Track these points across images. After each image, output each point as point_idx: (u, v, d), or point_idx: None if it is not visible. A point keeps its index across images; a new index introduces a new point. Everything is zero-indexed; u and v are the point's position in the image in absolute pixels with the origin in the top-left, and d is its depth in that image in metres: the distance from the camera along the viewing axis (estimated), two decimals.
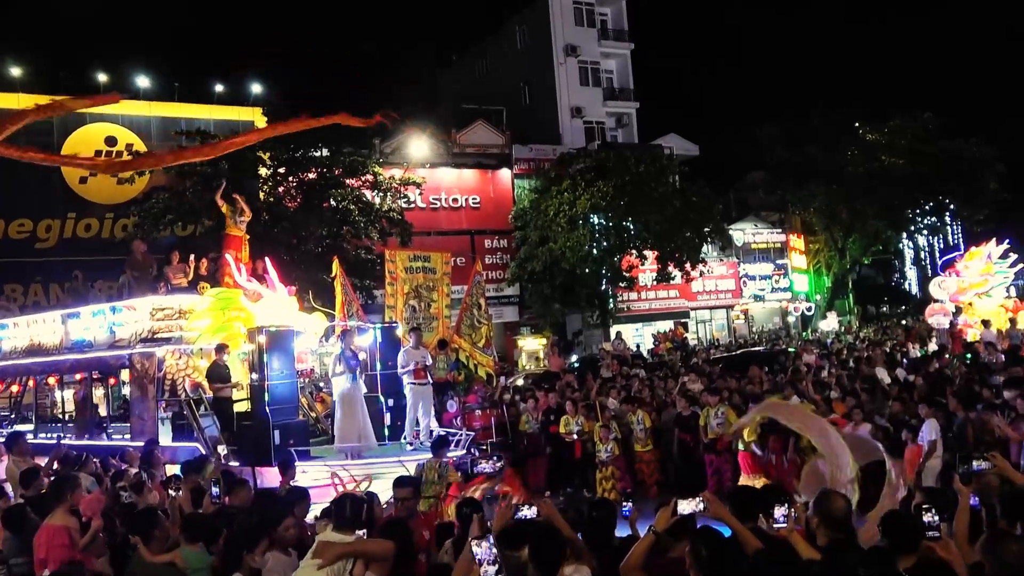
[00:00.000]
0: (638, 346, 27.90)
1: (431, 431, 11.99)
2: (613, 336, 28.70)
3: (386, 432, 12.03)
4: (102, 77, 29.57)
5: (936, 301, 23.82)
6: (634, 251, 30.97)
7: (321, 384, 14.60)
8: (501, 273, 33.00)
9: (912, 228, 39.25)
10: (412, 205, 28.63)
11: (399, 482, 6.06)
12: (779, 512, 4.18)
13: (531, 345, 33.16)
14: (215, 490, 6.67)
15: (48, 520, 5.56)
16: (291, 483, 8.48)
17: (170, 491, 6.37)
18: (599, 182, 29.73)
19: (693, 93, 64.60)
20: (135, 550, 5.06)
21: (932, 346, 20.44)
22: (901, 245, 40.74)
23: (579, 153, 33.25)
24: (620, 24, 41.27)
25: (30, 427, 13.79)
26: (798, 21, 72.42)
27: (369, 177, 26.29)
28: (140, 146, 28.02)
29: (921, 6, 68.35)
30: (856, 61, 71.19)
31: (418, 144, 32.08)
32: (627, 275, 31.54)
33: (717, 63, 71.81)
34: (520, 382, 19.84)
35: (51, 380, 14.38)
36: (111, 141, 29.34)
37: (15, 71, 28.63)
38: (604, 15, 41.00)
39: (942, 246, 38.86)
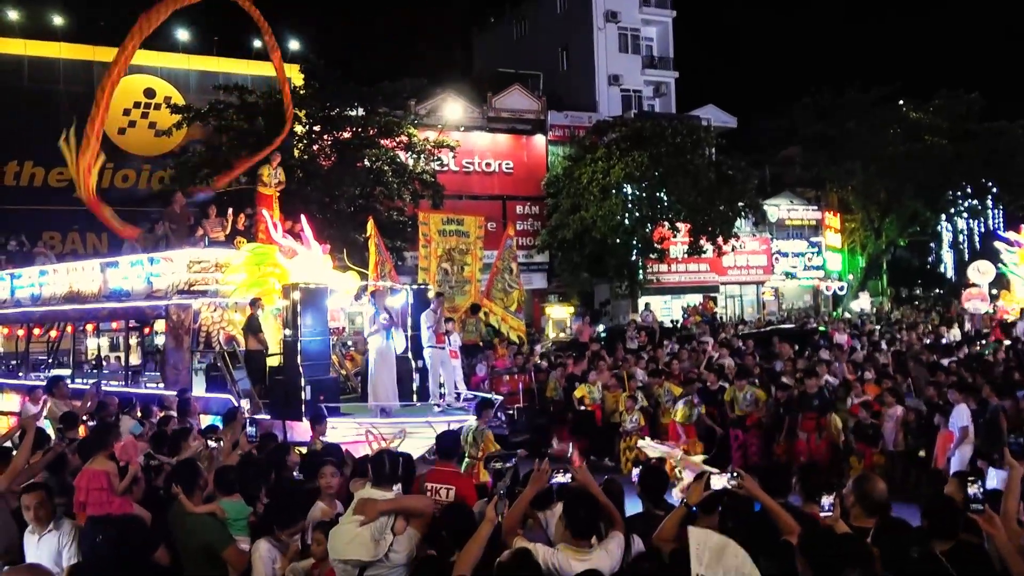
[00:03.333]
0: (673, 322, 27.68)
1: (458, 393, 12.09)
2: (641, 307, 28.61)
3: (415, 393, 12.12)
4: None
5: (973, 285, 23.45)
6: (666, 223, 30.73)
7: (349, 342, 14.73)
8: (531, 240, 32.93)
9: (952, 210, 38.45)
10: (445, 168, 28.57)
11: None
12: (826, 500, 4.17)
13: (558, 313, 33.17)
14: (251, 430, 6.73)
15: (88, 464, 5.70)
16: (321, 438, 8.61)
17: (209, 442, 6.50)
18: (634, 152, 29.45)
19: (733, 64, 63.46)
20: (175, 499, 5.16)
21: (955, 331, 20.07)
22: (939, 227, 39.92)
23: (615, 121, 32.90)
24: None
25: (67, 372, 14.11)
26: None
27: (403, 138, 26.27)
28: (178, 99, 28.17)
29: None
30: (899, 37, 69.43)
31: (453, 107, 31.94)
32: (658, 247, 31.34)
33: (759, 35, 70.40)
34: (545, 349, 19.89)
35: (88, 327, 14.67)
36: (150, 93, 29.54)
37: (57, 20, 28.85)
38: None
39: (982, 230, 38.05)
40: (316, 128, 25.76)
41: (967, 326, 21.29)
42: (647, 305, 28.14)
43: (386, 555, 4.28)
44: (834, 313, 34.70)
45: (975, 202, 37.94)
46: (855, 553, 3.71)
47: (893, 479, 9.88)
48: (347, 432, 10.07)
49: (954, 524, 4.02)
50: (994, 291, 24.31)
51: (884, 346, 16.55)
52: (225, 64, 30.55)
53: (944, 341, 17.22)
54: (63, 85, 28.43)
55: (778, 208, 39.11)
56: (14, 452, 6.53)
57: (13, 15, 28.34)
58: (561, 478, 4.44)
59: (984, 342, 17.10)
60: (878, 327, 21.88)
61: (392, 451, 5.33)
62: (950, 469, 9.14)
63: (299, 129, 25.58)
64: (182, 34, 30.09)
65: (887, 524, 4.13)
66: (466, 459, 8.64)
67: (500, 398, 12.18)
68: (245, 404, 9.94)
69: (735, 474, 4.45)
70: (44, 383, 11.41)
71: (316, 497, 5.37)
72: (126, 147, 29.37)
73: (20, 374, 15.59)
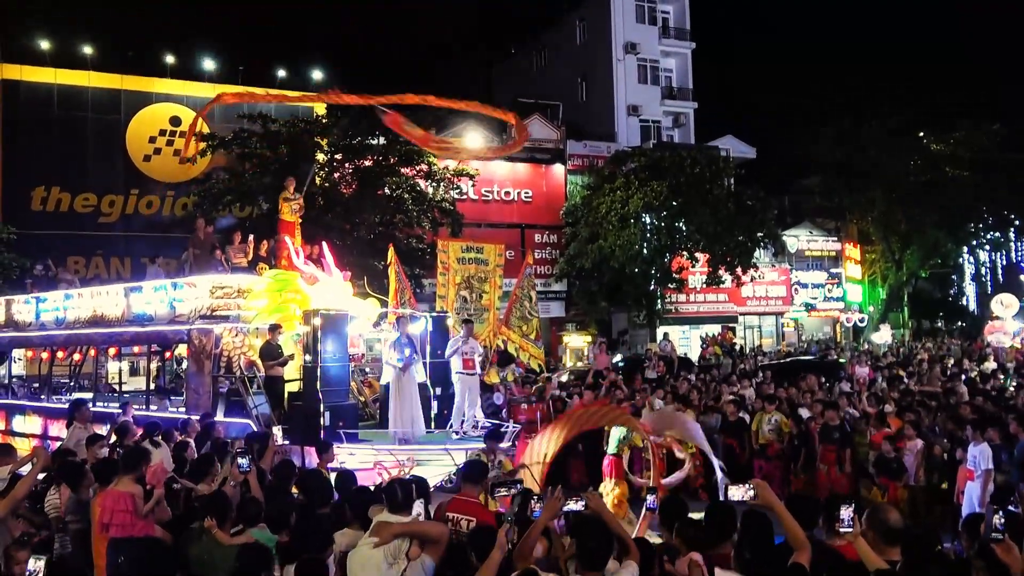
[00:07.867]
0: (686, 354, 27.55)
1: (476, 422, 12.07)
2: (659, 337, 28.51)
3: (432, 420, 12.13)
4: (169, 58, 30.30)
5: (996, 319, 23.23)
6: (685, 253, 30.72)
7: (367, 369, 14.76)
8: (549, 268, 32.99)
9: (974, 242, 38.10)
10: (464, 196, 28.78)
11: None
12: (845, 513, 4.06)
13: (576, 342, 33.12)
14: (242, 461, 6.59)
15: (114, 485, 5.74)
16: (328, 466, 8.46)
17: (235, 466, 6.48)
18: (653, 182, 29.53)
19: (752, 95, 63.50)
20: (205, 530, 5.10)
21: (991, 363, 19.89)
22: (961, 259, 39.54)
23: (634, 151, 33.05)
24: (682, 23, 40.80)
25: (89, 395, 14.24)
26: (864, 26, 70.80)
27: (423, 167, 26.52)
28: (203, 127, 28.55)
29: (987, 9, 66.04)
30: (919, 64, 69.23)
31: (473, 136, 32.20)
32: (677, 276, 31.29)
33: (777, 66, 70.50)
34: (564, 378, 19.82)
35: (111, 351, 14.82)
36: (175, 121, 30.07)
37: (87, 49, 29.49)
38: (666, 13, 40.57)
39: (1004, 263, 37.68)
40: (338, 156, 26.08)
41: (990, 360, 21.04)
42: (666, 335, 28.03)
43: None
44: (855, 345, 34.38)
45: (997, 234, 37.59)
46: None
47: (916, 513, 9.74)
48: (365, 459, 10.10)
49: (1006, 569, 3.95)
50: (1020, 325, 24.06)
51: (906, 379, 16.37)
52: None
53: (965, 375, 16.99)
54: (91, 113, 29.02)
55: (797, 239, 38.99)
56: None
57: (44, 45, 29.01)
58: (574, 505, 4.40)
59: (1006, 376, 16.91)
60: (897, 360, 21.64)
61: (403, 478, 5.35)
62: (963, 509, 8.96)
63: (321, 157, 25.91)
64: (207, 63, 30.65)
65: (921, 556, 4.05)
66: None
67: (518, 427, 12.14)
68: (277, 432, 9.95)
69: (751, 485, 4.36)
70: (67, 406, 11.55)
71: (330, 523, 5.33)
72: (150, 173, 29.87)
73: (42, 397, 15.76)
